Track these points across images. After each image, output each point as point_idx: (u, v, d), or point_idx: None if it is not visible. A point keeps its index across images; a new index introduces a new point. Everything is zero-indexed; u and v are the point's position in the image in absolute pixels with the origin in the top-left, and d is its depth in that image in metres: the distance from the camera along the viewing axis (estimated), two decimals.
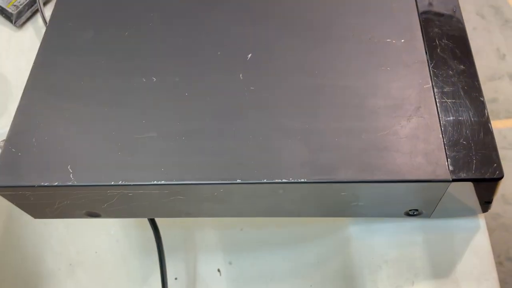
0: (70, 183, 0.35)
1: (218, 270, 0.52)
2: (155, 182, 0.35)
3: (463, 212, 0.39)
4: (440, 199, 0.35)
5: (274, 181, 0.34)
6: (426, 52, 0.38)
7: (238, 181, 0.34)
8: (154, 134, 0.37)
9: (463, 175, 0.33)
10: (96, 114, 0.38)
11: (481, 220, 0.39)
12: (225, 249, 0.53)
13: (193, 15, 0.43)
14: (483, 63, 1.46)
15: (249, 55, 0.40)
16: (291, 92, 0.37)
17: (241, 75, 0.39)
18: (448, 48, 0.38)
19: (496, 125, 1.35)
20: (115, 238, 0.56)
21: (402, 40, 0.39)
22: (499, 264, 1.09)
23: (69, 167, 0.36)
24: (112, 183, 0.35)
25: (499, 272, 0.39)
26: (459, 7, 0.41)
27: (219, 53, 0.40)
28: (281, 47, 0.40)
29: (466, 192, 0.34)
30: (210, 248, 0.53)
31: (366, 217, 0.41)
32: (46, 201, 0.38)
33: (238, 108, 0.37)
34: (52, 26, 0.44)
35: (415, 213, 0.37)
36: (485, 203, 0.36)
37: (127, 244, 0.56)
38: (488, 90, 1.40)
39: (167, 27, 0.43)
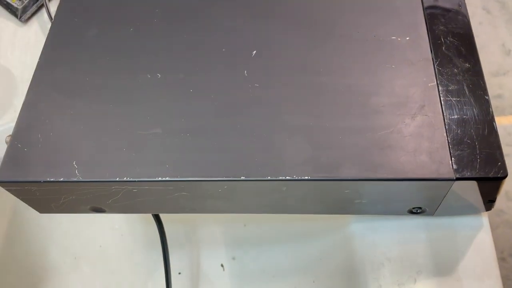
0: (75, 179, 0.36)
1: (222, 265, 0.53)
2: (159, 179, 0.35)
3: (467, 210, 0.39)
4: (444, 197, 0.35)
5: (277, 178, 0.34)
6: (431, 50, 0.38)
7: (242, 178, 0.34)
8: (159, 130, 0.37)
9: (466, 174, 0.33)
10: (101, 110, 0.38)
11: (484, 219, 0.39)
12: (229, 245, 0.53)
13: (198, 12, 0.43)
14: (488, 59, 1.45)
15: (254, 52, 0.40)
16: (295, 90, 0.38)
17: (245, 72, 0.39)
18: (453, 46, 0.38)
19: (501, 121, 1.35)
20: (120, 232, 0.56)
21: (407, 38, 0.39)
22: (502, 260, 1.09)
23: (74, 163, 0.36)
24: (117, 179, 0.35)
25: (502, 268, 0.39)
26: (464, 4, 0.41)
27: (223, 49, 0.41)
28: (286, 44, 0.40)
29: (469, 190, 0.34)
30: (214, 243, 0.53)
31: (369, 214, 0.42)
32: (51, 196, 0.38)
33: (242, 105, 0.37)
34: (57, 22, 0.44)
35: (418, 211, 0.37)
36: (489, 202, 0.36)
37: (132, 239, 0.56)
38: (493, 86, 1.40)
39: (172, 23, 0.43)
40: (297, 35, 0.40)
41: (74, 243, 0.56)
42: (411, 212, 0.38)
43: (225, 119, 0.37)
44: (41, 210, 0.42)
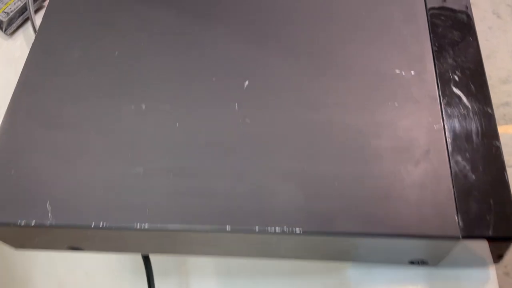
0: (48, 223, 0.33)
1: None
2: (138, 226, 0.32)
3: (473, 263, 0.36)
4: (448, 253, 0.32)
5: (267, 229, 0.31)
6: (438, 87, 0.35)
7: (228, 229, 0.31)
8: (140, 169, 0.34)
9: (474, 232, 0.30)
10: (80, 144, 0.36)
11: (491, 271, 0.36)
12: (219, 277, 0.50)
13: (188, 36, 0.40)
14: (497, 65, 1.41)
15: (246, 83, 0.37)
16: (289, 128, 0.35)
17: (236, 105, 0.36)
18: (463, 83, 0.35)
19: (508, 130, 1.31)
20: (106, 258, 0.54)
21: (412, 72, 0.36)
22: (505, 275, 1.06)
23: (48, 204, 0.33)
24: (93, 224, 0.32)
25: (505, 283, 0.36)
26: (475, 33, 0.37)
27: (214, 79, 0.38)
28: (280, 76, 0.37)
29: (477, 248, 0.31)
30: (204, 275, 0.51)
31: (367, 262, 0.39)
32: (24, 236, 0.36)
33: (231, 143, 0.34)
34: (37, 44, 0.41)
35: (420, 262, 0.34)
36: (498, 257, 0.33)
37: (118, 265, 0.54)
38: (501, 93, 1.36)
39: (160, 48, 0.40)
40: (293, 65, 0.37)
41: (58, 269, 0.53)
42: (412, 263, 0.35)
43: (212, 158, 0.34)
44: (16, 247, 0.39)
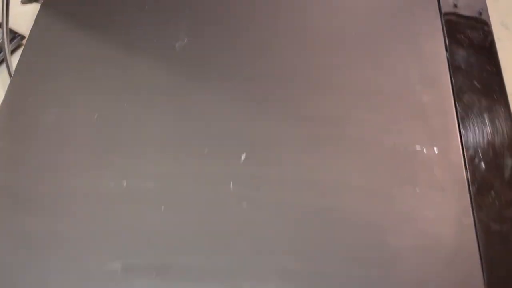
0: None
1: None
2: None
3: None
4: None
5: None
6: (466, 168, 0.30)
7: None
8: (118, 266, 0.29)
9: None
10: (51, 231, 0.31)
11: None
12: None
13: (177, 99, 0.35)
14: (507, 77, 1.36)
15: (243, 156, 0.32)
16: (292, 217, 0.30)
17: (231, 184, 0.31)
18: (494, 164, 0.30)
19: None
20: None
21: (435, 149, 0.31)
22: None
23: None
24: None
25: None
26: (507, 102, 0.32)
27: (206, 150, 0.33)
28: (282, 148, 0.32)
29: None
30: None
31: None
32: None
33: (225, 235, 0.30)
34: (9, 100, 0.37)
35: None
36: None
37: None
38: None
39: (145, 110, 0.35)
40: (298, 136, 0.32)
41: None
42: None
43: (201, 253, 0.29)
44: None
